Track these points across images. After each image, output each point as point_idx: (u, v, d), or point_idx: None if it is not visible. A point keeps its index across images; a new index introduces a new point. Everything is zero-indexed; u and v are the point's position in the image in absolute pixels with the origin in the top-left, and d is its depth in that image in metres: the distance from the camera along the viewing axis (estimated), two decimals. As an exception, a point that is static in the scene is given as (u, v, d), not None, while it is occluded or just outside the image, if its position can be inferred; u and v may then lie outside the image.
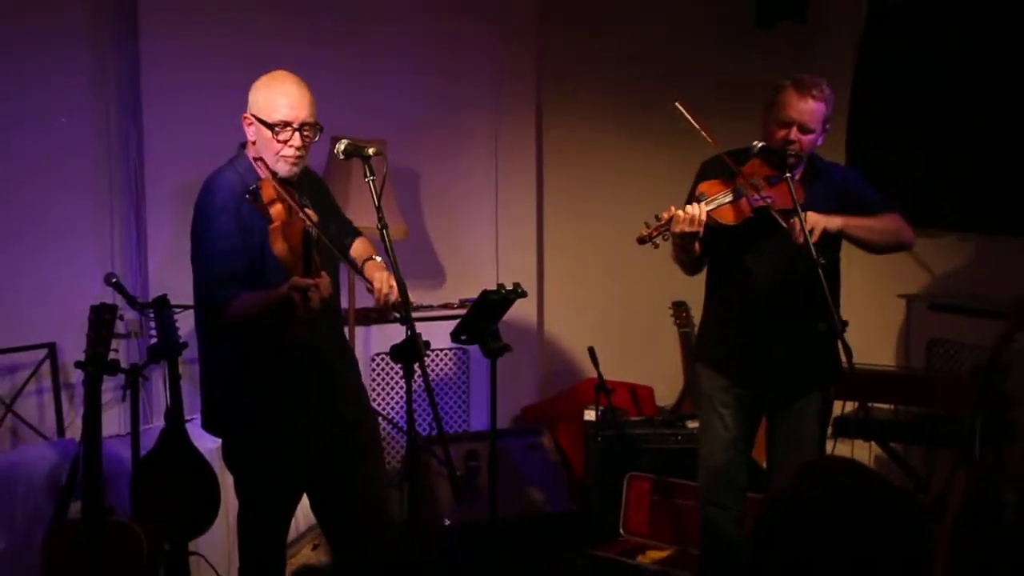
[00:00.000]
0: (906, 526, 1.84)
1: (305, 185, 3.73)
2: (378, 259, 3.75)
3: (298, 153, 3.59)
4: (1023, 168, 5.45)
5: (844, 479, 1.91)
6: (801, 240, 3.85)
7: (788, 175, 3.97)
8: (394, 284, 3.52)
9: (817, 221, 3.93)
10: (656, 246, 3.94)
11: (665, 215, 3.90)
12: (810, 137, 4.05)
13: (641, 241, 3.91)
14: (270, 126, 3.55)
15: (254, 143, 3.63)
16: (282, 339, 3.42)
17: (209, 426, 3.85)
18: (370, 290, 3.61)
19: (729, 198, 4.00)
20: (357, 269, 3.74)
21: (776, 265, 4.10)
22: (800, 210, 3.89)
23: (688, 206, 3.90)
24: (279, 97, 3.56)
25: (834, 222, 3.99)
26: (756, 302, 4.19)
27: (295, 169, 3.62)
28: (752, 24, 6.54)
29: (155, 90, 5.28)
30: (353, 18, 5.69)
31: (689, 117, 3.99)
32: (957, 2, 5.65)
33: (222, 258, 3.55)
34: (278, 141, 3.56)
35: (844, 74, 6.00)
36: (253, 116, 3.59)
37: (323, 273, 3.39)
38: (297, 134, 3.56)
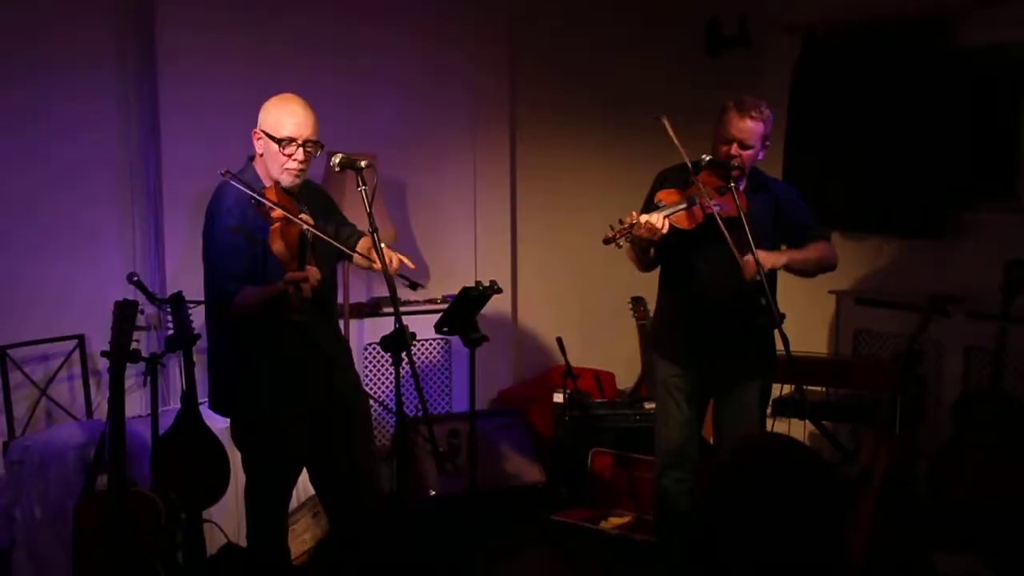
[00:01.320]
0: (827, 488, 1.88)
1: (304, 194, 3.73)
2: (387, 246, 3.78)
3: (301, 166, 3.60)
4: (936, 181, 5.52)
5: (775, 451, 1.95)
6: (750, 278, 3.90)
7: (732, 186, 4.01)
8: (395, 256, 3.58)
9: (764, 261, 3.96)
10: (619, 246, 3.92)
11: (628, 219, 3.92)
12: (749, 152, 4.07)
13: (606, 241, 3.89)
14: (277, 140, 3.56)
15: (261, 155, 3.64)
16: (279, 323, 3.44)
17: (215, 407, 3.86)
18: (370, 266, 3.60)
19: (684, 205, 4.02)
20: (350, 252, 3.73)
21: (722, 266, 4.10)
22: (745, 218, 3.93)
23: (650, 215, 3.90)
24: (287, 116, 3.58)
25: (779, 261, 4.05)
26: (704, 298, 4.20)
27: (297, 180, 3.63)
28: (703, 52, 6.58)
29: (172, 110, 5.26)
30: (349, 48, 5.68)
31: (671, 132, 3.97)
32: (879, 33, 5.69)
33: (228, 256, 3.56)
34: (284, 154, 3.57)
35: (783, 95, 6.03)
36: (262, 131, 3.60)
37: (310, 266, 3.41)
38: (301, 149, 3.57)
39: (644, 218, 3.88)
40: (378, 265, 3.58)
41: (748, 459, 1.95)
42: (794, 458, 1.92)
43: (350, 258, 3.75)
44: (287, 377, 3.68)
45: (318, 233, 3.53)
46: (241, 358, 3.70)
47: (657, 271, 4.37)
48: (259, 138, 3.62)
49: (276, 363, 3.66)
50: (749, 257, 3.92)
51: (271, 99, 3.64)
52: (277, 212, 3.46)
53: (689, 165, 4.04)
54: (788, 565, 1.83)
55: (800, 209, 4.30)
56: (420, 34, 5.91)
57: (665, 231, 3.91)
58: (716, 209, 3.97)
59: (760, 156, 4.16)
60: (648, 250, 4.09)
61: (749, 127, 4.04)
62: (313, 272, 3.37)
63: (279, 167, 3.59)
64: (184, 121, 5.27)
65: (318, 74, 5.41)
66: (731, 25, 6.50)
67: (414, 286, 3.65)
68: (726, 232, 3.91)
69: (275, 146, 3.57)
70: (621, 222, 3.91)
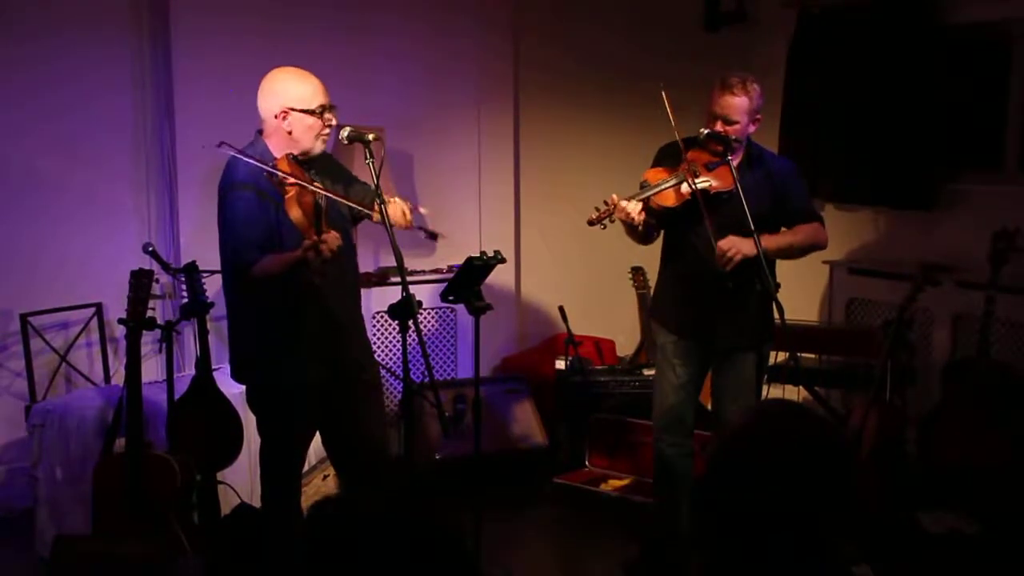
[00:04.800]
0: (834, 455, 1.89)
1: (315, 163, 3.73)
2: (395, 199, 3.80)
3: (330, 128, 3.63)
4: (927, 154, 5.51)
5: (787, 417, 1.95)
6: (722, 266, 3.93)
7: (728, 159, 4.01)
8: (406, 209, 3.61)
9: (739, 249, 3.95)
10: (604, 227, 3.95)
11: (610, 203, 3.93)
12: (736, 127, 4.05)
13: (590, 223, 3.92)
14: (313, 112, 3.57)
15: (290, 134, 3.60)
16: (296, 292, 3.47)
17: (237, 376, 3.86)
18: (382, 220, 3.58)
19: (669, 184, 4.02)
20: (368, 212, 3.75)
21: (721, 237, 4.14)
22: (740, 187, 3.93)
23: (627, 201, 3.91)
24: (310, 87, 3.59)
25: (753, 251, 3.96)
26: (702, 270, 4.19)
27: (327, 143, 3.66)
28: (701, 27, 6.55)
29: (185, 87, 5.27)
30: (358, 24, 5.68)
31: (667, 104, 3.99)
32: (872, 9, 5.67)
33: (245, 227, 3.56)
34: (322, 122, 3.59)
35: (778, 70, 6.01)
36: (292, 109, 3.57)
37: (331, 231, 3.41)
38: (331, 112, 3.61)
39: (622, 204, 3.91)
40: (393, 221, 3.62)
41: (758, 424, 1.94)
42: (802, 423, 1.92)
43: (369, 216, 3.77)
44: (300, 345, 3.68)
45: (332, 196, 3.54)
46: (256, 327, 3.70)
47: (658, 243, 4.38)
48: (287, 117, 3.58)
49: (293, 331, 3.66)
50: (723, 243, 3.94)
51: (281, 80, 3.61)
52: (291, 181, 3.47)
53: (680, 142, 4.06)
54: (797, 526, 1.84)
55: (796, 189, 4.27)
56: (425, 10, 5.90)
57: (641, 217, 3.93)
58: (705, 185, 3.98)
59: (751, 130, 4.14)
60: (636, 228, 4.11)
61: (731, 103, 4.04)
62: (332, 236, 3.37)
63: (313, 137, 3.60)
64: (197, 97, 5.28)
65: (329, 51, 5.40)
66: (728, 1, 6.47)
67: (433, 236, 3.67)
68: (705, 212, 3.92)
69: (310, 118, 3.57)
70: (606, 203, 3.93)
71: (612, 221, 3.96)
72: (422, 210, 3.72)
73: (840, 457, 1.90)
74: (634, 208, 3.91)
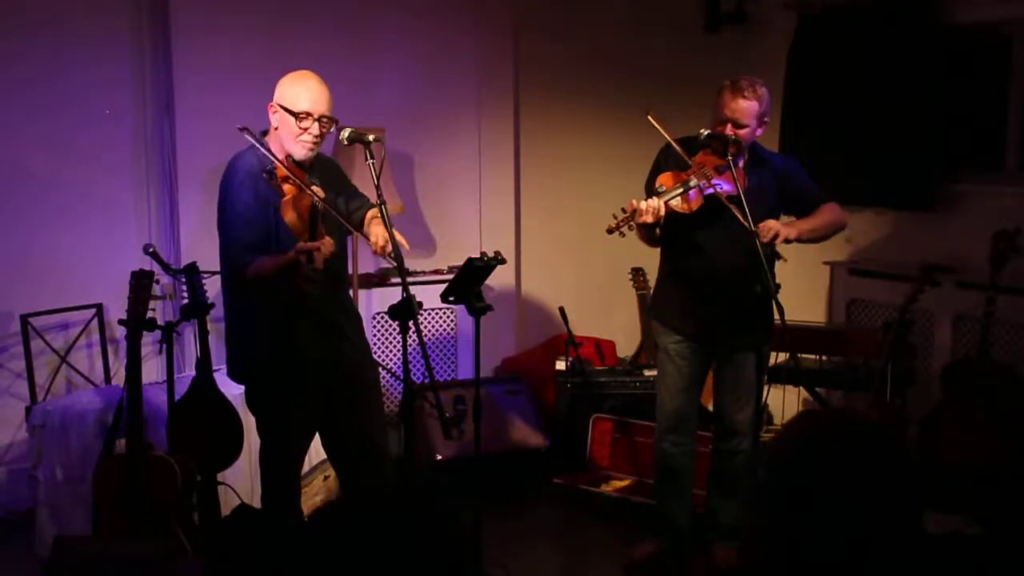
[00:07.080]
0: (901, 465, 1.79)
1: (316, 167, 3.75)
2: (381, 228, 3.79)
3: (315, 140, 3.62)
4: (927, 155, 5.52)
5: (840, 428, 1.85)
6: (767, 240, 3.96)
7: (730, 160, 4.01)
8: (387, 237, 3.57)
9: (779, 231, 4.00)
10: (623, 235, 3.92)
11: (629, 208, 3.93)
12: (745, 131, 4.08)
13: (610, 231, 3.89)
14: (294, 114, 3.58)
15: (276, 129, 3.65)
16: (291, 293, 3.46)
17: (232, 375, 3.89)
18: (382, 220, 3.58)
19: (683, 190, 4.03)
20: (357, 229, 3.75)
21: (722, 239, 4.14)
22: (744, 197, 3.93)
23: (649, 200, 3.92)
24: (303, 91, 3.60)
25: (792, 233, 4.08)
26: (704, 271, 4.22)
27: (310, 154, 3.65)
28: (702, 28, 6.56)
29: (186, 87, 5.27)
30: (358, 25, 5.68)
31: (658, 127, 4.02)
32: (873, 9, 5.68)
33: (242, 227, 3.59)
34: (300, 127, 3.59)
35: (779, 71, 6.01)
36: (279, 105, 3.61)
37: (326, 237, 3.43)
38: (316, 123, 3.60)
39: (645, 205, 3.90)
40: (371, 240, 3.62)
41: (815, 439, 1.82)
42: (869, 433, 1.81)
43: (352, 233, 3.78)
44: (299, 346, 3.70)
45: (328, 207, 3.56)
46: (254, 327, 3.72)
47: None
48: (275, 112, 3.63)
49: (288, 333, 3.68)
50: (769, 222, 3.96)
51: (288, 75, 3.67)
52: (289, 184, 3.49)
53: (678, 147, 4.06)
54: (867, 540, 1.77)
55: (802, 177, 4.32)
56: (426, 9, 5.90)
57: (663, 213, 3.94)
58: (716, 188, 3.99)
59: (758, 133, 4.17)
60: (653, 233, 4.13)
61: (742, 107, 4.06)
62: (327, 243, 3.39)
63: (294, 140, 3.61)
64: (197, 96, 5.28)
65: (328, 50, 5.41)
66: (728, 1, 6.48)
67: (401, 271, 3.56)
68: (733, 207, 3.92)
69: (291, 120, 3.58)
70: (624, 211, 3.92)
71: (631, 228, 3.96)
72: (404, 245, 3.65)
73: (904, 463, 1.79)
74: (660, 206, 3.92)
